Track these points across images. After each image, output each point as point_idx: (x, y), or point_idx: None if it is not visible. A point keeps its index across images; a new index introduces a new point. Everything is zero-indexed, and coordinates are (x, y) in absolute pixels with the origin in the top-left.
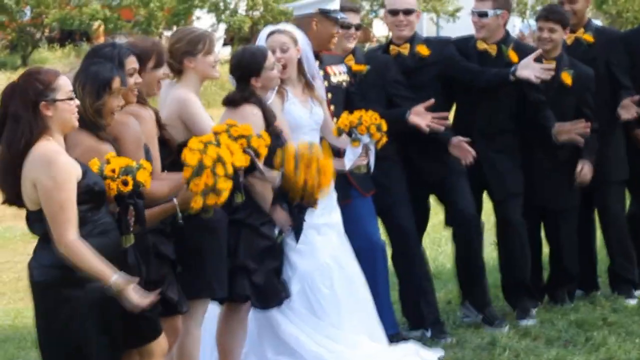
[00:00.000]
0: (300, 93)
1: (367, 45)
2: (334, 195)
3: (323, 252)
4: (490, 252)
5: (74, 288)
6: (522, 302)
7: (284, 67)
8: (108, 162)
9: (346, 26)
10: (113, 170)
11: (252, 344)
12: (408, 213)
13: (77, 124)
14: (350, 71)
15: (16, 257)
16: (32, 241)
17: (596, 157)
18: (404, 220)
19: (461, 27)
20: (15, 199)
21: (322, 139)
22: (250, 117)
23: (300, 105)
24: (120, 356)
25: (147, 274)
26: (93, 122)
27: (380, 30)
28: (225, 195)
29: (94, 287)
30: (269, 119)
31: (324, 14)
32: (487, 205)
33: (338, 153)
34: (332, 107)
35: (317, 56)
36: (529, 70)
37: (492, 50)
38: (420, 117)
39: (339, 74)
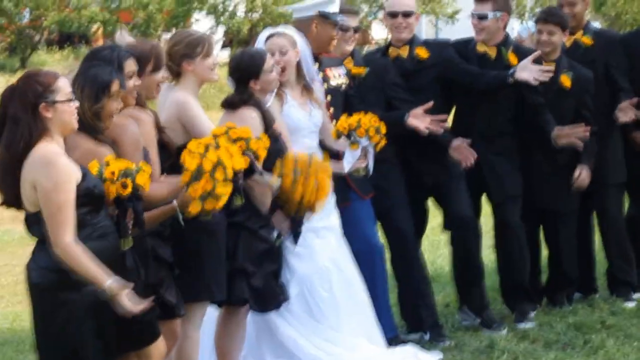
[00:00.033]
0: (299, 96)
1: (366, 48)
2: (332, 198)
3: (322, 255)
4: (488, 254)
5: (71, 291)
6: (520, 305)
7: (283, 69)
8: (107, 164)
9: (344, 29)
10: (112, 173)
11: (250, 347)
12: (406, 216)
13: (76, 125)
14: (349, 74)
15: (14, 260)
16: (31, 244)
17: (594, 160)
18: (402, 223)
19: (460, 29)
20: (13, 200)
21: (321, 142)
22: (249, 120)
23: (299, 108)
24: None
25: (146, 277)
26: (92, 125)
27: (379, 32)
28: (224, 199)
29: (91, 290)
30: (267, 121)
31: (324, 16)
32: (486, 208)
33: (337, 156)
34: (331, 110)
35: (316, 59)
36: (528, 72)
37: (492, 52)
38: (419, 119)
39: (338, 77)
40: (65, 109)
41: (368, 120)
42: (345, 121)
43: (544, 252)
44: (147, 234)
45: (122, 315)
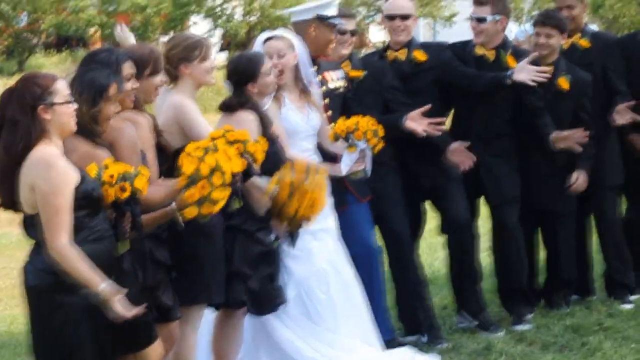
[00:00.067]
0: (297, 99)
1: (363, 51)
2: (330, 200)
3: (319, 257)
4: (485, 257)
5: (67, 293)
6: (518, 307)
7: (281, 72)
8: (106, 167)
9: (342, 32)
10: (111, 176)
11: (247, 350)
12: (403, 219)
13: (75, 127)
14: (347, 77)
15: (12, 263)
16: (29, 247)
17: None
18: (398, 226)
19: (457, 32)
20: (11, 203)
21: (318, 144)
22: (247, 123)
23: (297, 111)
24: None
25: (144, 280)
26: (89, 128)
27: (376, 35)
28: (221, 204)
29: (88, 293)
30: (265, 124)
31: (322, 19)
32: (483, 210)
33: (334, 159)
34: (328, 113)
35: (314, 62)
36: (525, 73)
37: (490, 55)
38: (417, 122)
39: (335, 80)
40: (63, 110)
41: (366, 123)
42: (343, 124)
43: (541, 255)
44: (145, 237)
45: (114, 320)
